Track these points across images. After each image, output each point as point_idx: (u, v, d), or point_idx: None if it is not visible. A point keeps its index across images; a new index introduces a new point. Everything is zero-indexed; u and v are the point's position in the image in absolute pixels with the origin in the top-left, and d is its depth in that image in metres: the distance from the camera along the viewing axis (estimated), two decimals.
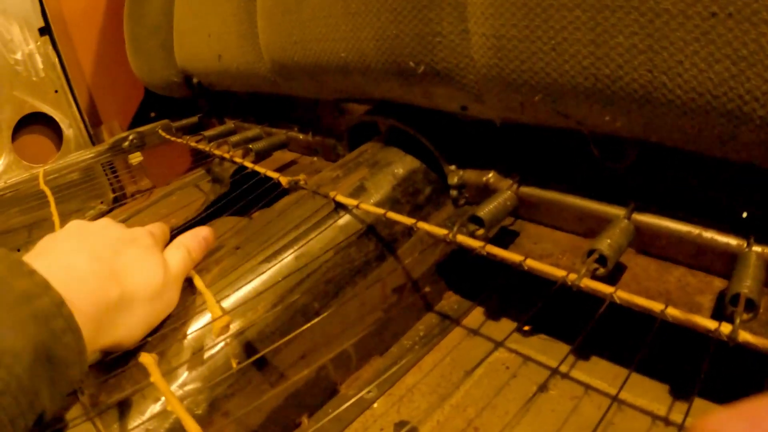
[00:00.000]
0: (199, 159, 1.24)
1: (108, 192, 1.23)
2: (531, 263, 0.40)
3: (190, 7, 0.93)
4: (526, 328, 0.51)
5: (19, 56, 1.13)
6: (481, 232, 0.46)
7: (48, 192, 0.88)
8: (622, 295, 0.36)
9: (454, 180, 0.54)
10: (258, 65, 0.74)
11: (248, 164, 0.69)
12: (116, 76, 1.22)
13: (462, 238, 0.45)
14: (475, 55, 0.43)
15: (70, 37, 1.17)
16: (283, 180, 0.58)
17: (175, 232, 0.52)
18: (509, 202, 0.47)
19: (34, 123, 1.18)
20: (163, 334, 0.43)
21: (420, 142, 0.56)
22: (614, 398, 0.42)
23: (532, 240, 0.48)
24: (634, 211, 0.42)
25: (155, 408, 0.39)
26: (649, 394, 0.44)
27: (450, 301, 0.56)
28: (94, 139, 1.23)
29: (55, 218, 0.76)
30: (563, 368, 0.48)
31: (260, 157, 0.77)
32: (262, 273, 0.46)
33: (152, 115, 1.21)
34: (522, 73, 0.41)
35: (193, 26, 0.91)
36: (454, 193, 0.55)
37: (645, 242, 0.43)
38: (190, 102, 1.09)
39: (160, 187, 1.24)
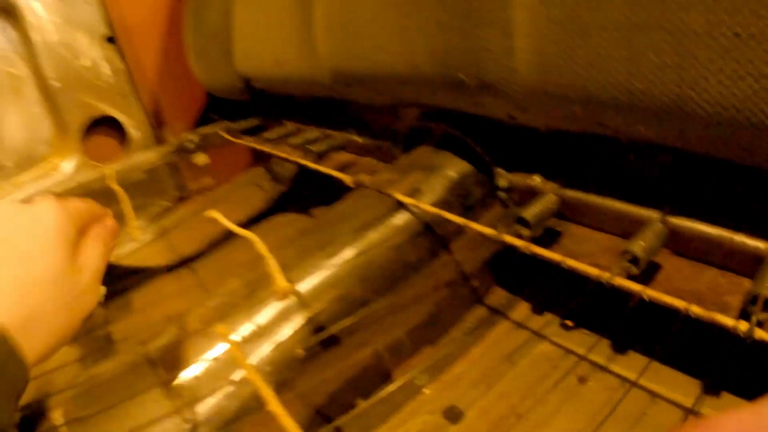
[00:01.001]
0: (258, 158, 1.36)
1: (171, 190, 1.37)
2: (570, 262, 0.47)
3: (250, 16, 1.04)
4: (569, 323, 0.58)
5: (86, 63, 1.27)
6: (526, 232, 0.53)
7: (120, 190, 1.01)
8: (649, 292, 0.42)
9: (502, 183, 0.61)
10: (316, 73, 0.83)
11: (312, 165, 0.78)
12: (178, 79, 1.35)
13: (509, 238, 0.52)
14: (521, 70, 0.50)
15: (134, 43, 1.31)
16: (348, 180, 0.67)
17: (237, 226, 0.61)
18: (553, 204, 0.54)
19: (101, 125, 1.32)
20: (233, 306, 0.52)
21: (470, 146, 0.64)
22: (631, 385, 0.48)
23: (574, 240, 0.55)
24: (668, 215, 0.48)
25: (234, 377, 0.48)
26: (682, 388, 0.50)
27: (497, 296, 0.64)
28: (158, 140, 1.36)
29: (131, 214, 0.88)
30: (602, 361, 0.54)
31: (319, 158, 0.86)
32: (327, 266, 0.55)
33: (213, 117, 1.33)
34: (563, 86, 0.48)
35: (253, 33, 1.02)
36: (502, 195, 0.62)
37: (679, 244, 0.48)
38: (250, 105, 1.20)
39: (221, 184, 1.37)
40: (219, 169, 1.36)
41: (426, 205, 0.57)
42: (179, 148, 1.24)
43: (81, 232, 0.44)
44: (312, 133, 0.97)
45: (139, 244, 1.26)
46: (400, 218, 0.59)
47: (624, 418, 0.50)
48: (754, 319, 0.38)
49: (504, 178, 0.61)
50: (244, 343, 0.52)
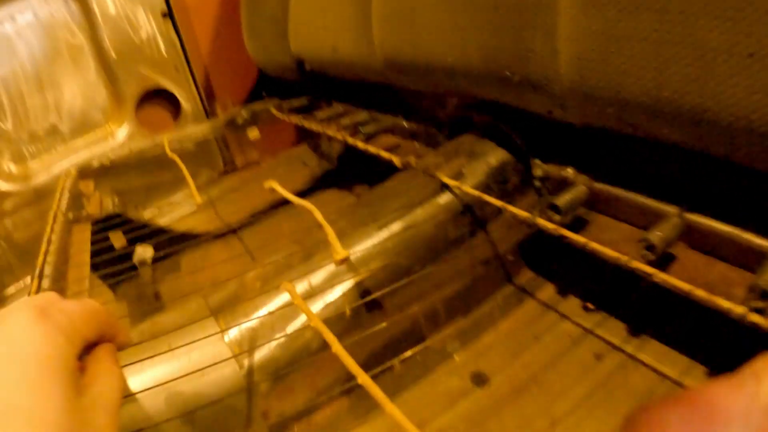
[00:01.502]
0: (304, 136, 1.47)
1: (219, 161, 1.49)
2: (593, 245, 0.56)
3: (307, 1, 1.14)
4: (590, 305, 0.67)
5: (143, 37, 1.39)
6: (557, 217, 0.62)
7: (176, 157, 1.13)
8: (661, 276, 0.51)
9: (538, 172, 0.70)
10: (371, 59, 0.92)
11: (362, 145, 0.88)
12: (231, 55, 1.46)
13: (541, 221, 0.61)
14: (562, 71, 0.59)
15: (190, 19, 1.42)
16: (396, 160, 0.77)
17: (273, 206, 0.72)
18: (583, 194, 0.63)
19: (154, 96, 1.44)
20: (289, 267, 0.63)
21: (510, 136, 0.73)
22: (641, 364, 0.57)
23: (599, 228, 0.63)
24: (685, 211, 0.57)
25: (295, 325, 0.59)
26: (688, 371, 0.58)
27: (526, 276, 0.73)
28: (209, 113, 1.48)
29: (189, 179, 0.99)
30: (617, 342, 0.63)
31: (368, 139, 0.96)
32: (377, 236, 0.65)
33: (263, 94, 1.44)
34: (599, 89, 0.56)
35: (310, 18, 1.12)
36: (537, 183, 0.71)
37: (695, 238, 0.57)
38: (300, 84, 1.30)
39: (267, 159, 1.48)
40: (266, 144, 1.47)
41: (468, 188, 0.66)
42: (229, 122, 1.36)
43: (86, 350, 0.33)
44: (361, 115, 1.07)
45: (186, 212, 1.38)
46: (444, 198, 0.68)
47: (632, 393, 0.59)
48: (749, 304, 0.47)
49: (540, 168, 0.70)
50: (298, 299, 0.62)
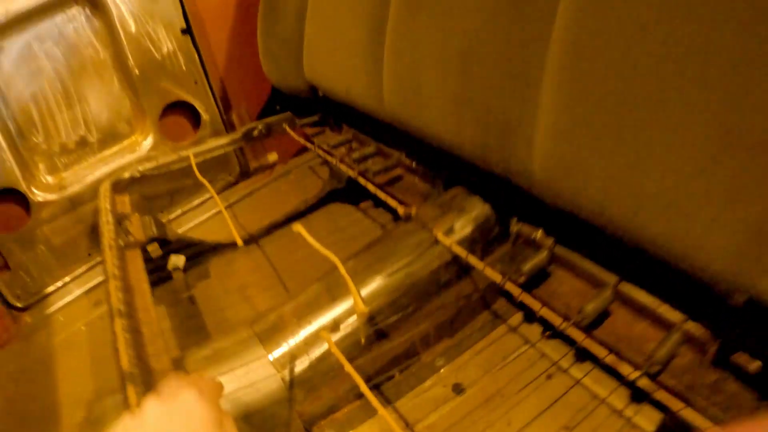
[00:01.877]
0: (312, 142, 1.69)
1: (236, 167, 1.71)
2: (543, 312, 0.80)
3: (321, 34, 1.34)
4: (548, 333, 0.91)
5: (164, 52, 1.59)
6: (522, 279, 0.85)
7: (204, 181, 1.34)
8: (584, 343, 0.75)
9: (514, 229, 0.94)
10: (379, 108, 1.15)
11: (371, 188, 1.12)
12: (246, 69, 1.66)
13: (509, 286, 0.85)
14: (536, 173, 0.81)
15: (207, 35, 1.62)
16: (401, 210, 1.01)
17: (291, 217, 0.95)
18: (545, 260, 0.87)
19: (176, 108, 1.65)
20: (318, 306, 0.87)
21: (494, 195, 0.96)
22: (578, 384, 0.82)
23: (558, 281, 0.88)
24: (621, 281, 0.81)
25: (321, 349, 0.83)
26: (618, 392, 0.83)
27: (500, 305, 0.97)
28: (226, 122, 1.69)
29: (213, 193, 1.21)
30: (565, 365, 0.88)
31: (375, 174, 1.19)
32: (383, 278, 0.89)
33: (277, 107, 1.66)
34: (561, 192, 0.79)
35: (324, 52, 1.33)
36: (512, 236, 0.95)
37: (627, 300, 0.81)
38: (312, 102, 1.51)
39: (278, 164, 1.70)
40: (278, 147, 1.69)
41: (456, 246, 0.90)
42: (246, 135, 1.58)
43: None
44: (369, 148, 1.30)
45: (207, 216, 1.61)
46: (437, 250, 0.92)
47: (572, 407, 0.84)
48: (644, 369, 0.71)
49: (516, 226, 0.94)
50: (323, 330, 0.87)
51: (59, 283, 1.59)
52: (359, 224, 1.39)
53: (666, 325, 0.76)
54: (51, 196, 1.53)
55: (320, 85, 1.41)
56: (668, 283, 0.76)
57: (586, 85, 0.70)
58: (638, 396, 0.80)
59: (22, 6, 1.39)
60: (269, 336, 0.88)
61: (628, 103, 0.65)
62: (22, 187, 1.47)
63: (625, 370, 0.73)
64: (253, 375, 0.84)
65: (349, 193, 1.48)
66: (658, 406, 0.78)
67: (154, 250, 1.34)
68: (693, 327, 0.74)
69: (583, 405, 0.83)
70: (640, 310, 0.80)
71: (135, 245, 1.16)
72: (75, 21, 1.49)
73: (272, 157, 1.51)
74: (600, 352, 0.79)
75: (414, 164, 1.21)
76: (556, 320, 0.78)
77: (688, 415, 0.70)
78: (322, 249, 0.90)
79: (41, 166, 1.53)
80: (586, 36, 0.68)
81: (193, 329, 1.19)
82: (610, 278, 0.82)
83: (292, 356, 0.86)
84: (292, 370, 0.85)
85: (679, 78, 0.59)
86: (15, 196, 1.49)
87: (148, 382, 0.76)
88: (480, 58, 0.85)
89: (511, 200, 0.95)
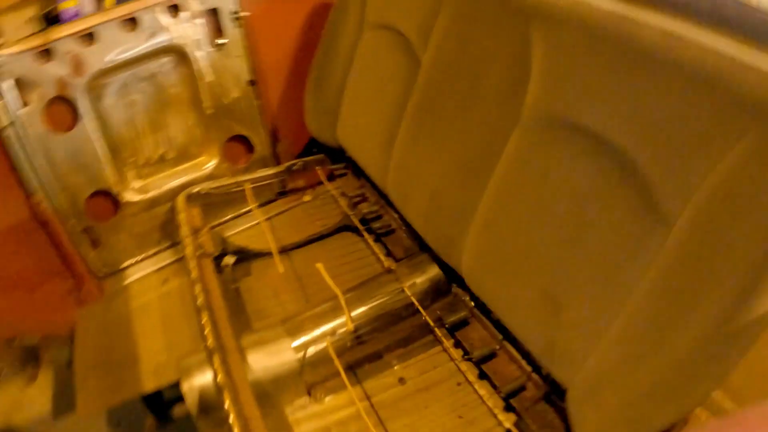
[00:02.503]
0: (334, 177, 2.38)
1: (276, 188, 2.41)
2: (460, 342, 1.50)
3: (353, 109, 2.05)
4: (465, 357, 1.61)
5: (232, 97, 2.27)
6: (448, 324, 1.55)
7: (251, 202, 2.05)
8: (482, 367, 1.45)
9: (453, 290, 1.64)
10: (383, 182, 1.84)
11: (371, 242, 1.82)
12: (293, 116, 2.36)
13: (437, 329, 1.55)
14: (462, 266, 1.51)
15: (267, 86, 2.30)
16: (385, 264, 1.71)
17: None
18: (467, 314, 1.57)
19: (236, 138, 2.35)
20: (322, 317, 1.58)
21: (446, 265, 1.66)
22: (475, 391, 1.53)
23: (473, 328, 1.58)
24: (503, 339, 1.50)
25: (323, 345, 1.55)
26: (500, 406, 1.53)
27: (442, 332, 1.67)
28: (275, 154, 2.40)
29: (258, 213, 1.93)
30: (472, 380, 1.58)
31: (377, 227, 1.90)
32: (366, 309, 1.60)
33: (314, 150, 2.36)
34: (472, 281, 1.48)
35: (353, 124, 2.04)
36: (451, 295, 1.64)
37: (506, 350, 1.51)
38: (340, 152, 2.21)
39: (307, 191, 2.40)
40: (311, 178, 2.40)
41: (413, 297, 1.60)
42: (287, 169, 2.28)
43: None
44: (374, 206, 2.00)
45: (250, 224, 2.31)
46: (403, 296, 1.63)
47: (470, 410, 1.53)
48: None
49: (455, 288, 1.63)
50: (326, 334, 1.57)
51: (132, 260, 2.31)
52: (361, 253, 2.08)
53: (523, 371, 1.46)
54: (135, 198, 2.25)
55: (346, 148, 2.12)
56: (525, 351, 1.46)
57: (497, 229, 1.39)
58: (508, 405, 1.50)
59: (128, 55, 2.06)
60: (293, 332, 1.60)
61: (513, 250, 1.34)
62: (115, 190, 2.18)
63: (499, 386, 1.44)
64: (282, 355, 1.55)
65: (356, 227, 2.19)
66: (512, 409, 1.48)
67: (226, 263, 2.05)
68: (536, 376, 1.44)
69: (474, 405, 1.53)
70: (512, 358, 1.50)
71: (209, 256, 1.87)
72: (164, 67, 2.17)
73: (306, 197, 2.22)
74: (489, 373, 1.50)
75: (403, 226, 1.90)
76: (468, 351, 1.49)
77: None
78: (331, 283, 1.61)
79: (129, 175, 2.25)
80: (501, 203, 1.36)
81: (237, 312, 1.89)
82: (498, 336, 1.52)
83: (305, 347, 1.57)
84: (304, 355, 1.56)
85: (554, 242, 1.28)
86: (109, 196, 2.20)
87: (222, 350, 1.47)
88: (441, 193, 1.56)
89: (453, 273, 1.65)
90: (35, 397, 2.66)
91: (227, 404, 1.33)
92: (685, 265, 0.97)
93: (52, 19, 3.04)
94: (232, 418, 1.30)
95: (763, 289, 0.88)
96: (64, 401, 2.57)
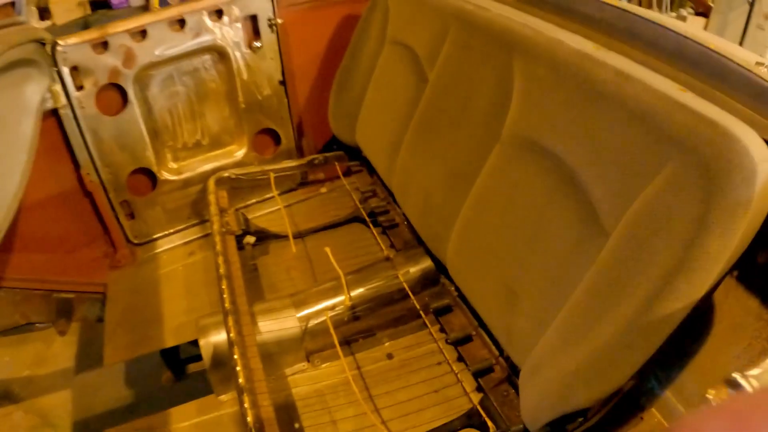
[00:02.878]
0: (350, 173, 2.62)
1: (297, 178, 2.67)
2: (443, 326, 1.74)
3: (370, 114, 2.29)
4: (446, 339, 1.84)
5: (264, 94, 2.53)
6: (432, 309, 1.79)
7: (274, 190, 2.31)
8: (458, 349, 1.69)
9: (441, 281, 1.87)
10: (390, 181, 2.08)
11: (376, 235, 2.07)
12: (318, 113, 2.61)
13: (423, 315, 1.78)
14: (447, 259, 1.74)
15: (295, 86, 2.56)
16: (386, 253, 1.97)
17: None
18: (450, 301, 1.80)
19: (265, 131, 2.61)
20: (326, 292, 1.83)
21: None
22: (452, 372, 1.76)
23: (455, 315, 1.81)
24: (478, 326, 1.73)
25: (323, 317, 1.79)
26: (470, 381, 1.76)
27: (430, 317, 1.90)
28: (299, 147, 2.66)
29: (279, 200, 2.19)
30: (451, 360, 1.81)
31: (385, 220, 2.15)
32: (364, 287, 1.85)
33: (334, 147, 2.61)
34: (454, 272, 1.71)
35: (369, 127, 2.28)
36: (440, 284, 1.88)
37: (479, 335, 1.74)
38: (358, 151, 2.46)
39: (325, 183, 2.66)
40: (330, 171, 2.65)
41: (405, 284, 1.84)
42: (309, 162, 2.54)
43: None
44: (383, 202, 2.24)
45: (271, 210, 2.57)
46: (397, 282, 1.87)
47: (445, 387, 1.77)
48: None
49: (442, 279, 1.86)
50: (326, 309, 1.82)
51: (164, 233, 2.58)
52: (367, 242, 2.33)
53: (492, 354, 1.69)
54: (171, 177, 2.52)
55: (362, 147, 2.37)
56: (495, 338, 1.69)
57: (474, 228, 1.62)
58: (479, 386, 1.72)
59: (174, 51, 2.34)
60: (299, 305, 1.85)
61: (485, 248, 1.57)
62: (154, 168, 2.45)
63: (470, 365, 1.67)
64: (286, 322, 1.80)
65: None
66: (481, 390, 1.70)
67: (247, 241, 2.31)
68: (502, 360, 1.67)
69: (449, 382, 1.76)
70: (484, 344, 1.73)
71: (233, 233, 2.13)
72: (206, 63, 2.45)
73: (324, 189, 2.48)
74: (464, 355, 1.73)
75: (405, 221, 2.14)
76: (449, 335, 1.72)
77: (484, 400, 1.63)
78: (336, 265, 1.86)
79: (167, 157, 2.52)
80: (479, 207, 1.60)
81: (253, 285, 2.15)
82: (474, 322, 1.76)
83: (308, 318, 1.82)
84: (306, 325, 1.81)
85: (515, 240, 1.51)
86: (148, 174, 2.47)
87: (236, 313, 1.72)
88: (433, 195, 1.79)
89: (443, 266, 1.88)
90: (60, 352, 2.95)
91: (236, 357, 1.58)
92: (612, 270, 1.18)
93: (100, 4, 3.36)
94: (239, 369, 1.55)
95: (670, 293, 1.09)
96: (86, 358, 2.89)
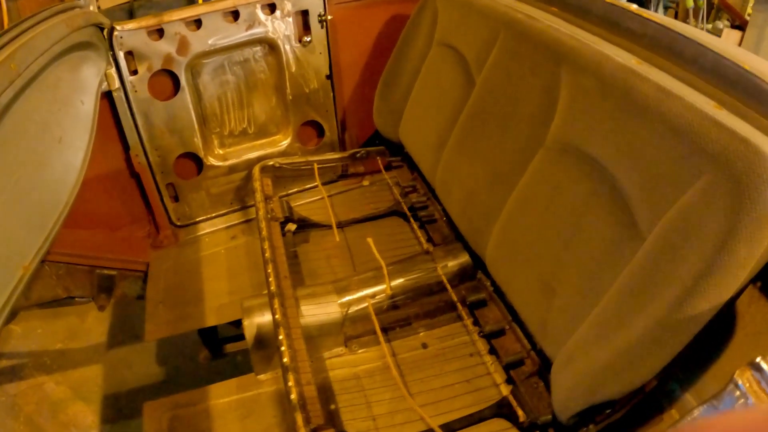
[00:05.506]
0: (390, 168, 2.77)
1: (339, 170, 2.83)
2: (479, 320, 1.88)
3: (415, 112, 2.44)
4: (480, 332, 1.99)
5: (311, 88, 2.69)
6: (469, 302, 1.93)
7: (318, 180, 2.47)
8: (491, 343, 1.83)
9: (477, 275, 2.01)
10: (433, 179, 2.23)
11: (417, 231, 2.22)
12: (362, 108, 2.76)
13: (459, 307, 1.93)
14: (486, 254, 1.88)
15: (342, 80, 2.71)
16: (425, 246, 2.12)
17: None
18: (486, 296, 1.94)
19: (309, 123, 2.76)
20: (367, 281, 1.98)
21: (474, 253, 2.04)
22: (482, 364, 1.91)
23: (490, 309, 1.95)
24: (512, 321, 1.88)
25: (364, 304, 1.95)
26: (501, 374, 1.91)
27: (464, 309, 2.05)
28: (342, 140, 2.81)
29: (322, 190, 2.35)
30: (483, 353, 1.95)
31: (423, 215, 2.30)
32: (404, 278, 2.00)
33: (377, 141, 2.76)
34: (492, 268, 1.86)
35: (413, 125, 2.43)
36: (476, 279, 2.02)
37: (513, 330, 1.88)
38: (400, 147, 2.61)
39: (365, 176, 2.81)
40: (372, 165, 2.80)
41: (444, 277, 1.99)
42: (351, 156, 2.70)
43: None
44: (422, 197, 2.39)
45: (313, 199, 2.73)
46: (435, 274, 2.02)
47: (477, 378, 1.91)
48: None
49: (479, 274, 2.01)
50: (368, 297, 1.97)
51: (207, 216, 2.75)
52: (406, 236, 2.47)
53: (524, 348, 1.83)
54: (217, 163, 2.69)
55: (405, 144, 2.52)
56: (528, 333, 1.83)
57: (515, 227, 1.76)
58: (509, 378, 1.86)
59: (227, 41, 2.50)
60: (340, 291, 2.01)
61: (524, 245, 1.71)
62: (201, 153, 2.62)
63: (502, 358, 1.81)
64: (328, 308, 1.96)
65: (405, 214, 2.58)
66: (512, 382, 1.84)
67: (289, 229, 2.47)
68: (533, 354, 1.80)
69: (480, 373, 1.90)
70: (517, 338, 1.87)
71: (277, 220, 2.29)
72: (256, 54, 2.61)
73: (365, 182, 2.63)
74: (497, 348, 1.87)
75: (444, 217, 2.29)
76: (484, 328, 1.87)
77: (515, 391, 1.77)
78: (377, 256, 2.01)
79: (215, 142, 2.69)
80: (520, 207, 1.74)
81: (294, 271, 2.30)
82: (508, 317, 1.90)
83: (349, 305, 1.97)
84: (347, 311, 1.96)
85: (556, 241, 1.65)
86: (195, 159, 2.64)
87: (281, 296, 1.88)
88: (476, 193, 1.93)
89: (480, 262, 2.02)
90: (93, 327, 3.13)
91: (281, 337, 1.74)
92: (646, 271, 1.32)
93: None
94: (284, 348, 1.71)
95: (699, 294, 1.22)
96: (119, 334, 3.08)
